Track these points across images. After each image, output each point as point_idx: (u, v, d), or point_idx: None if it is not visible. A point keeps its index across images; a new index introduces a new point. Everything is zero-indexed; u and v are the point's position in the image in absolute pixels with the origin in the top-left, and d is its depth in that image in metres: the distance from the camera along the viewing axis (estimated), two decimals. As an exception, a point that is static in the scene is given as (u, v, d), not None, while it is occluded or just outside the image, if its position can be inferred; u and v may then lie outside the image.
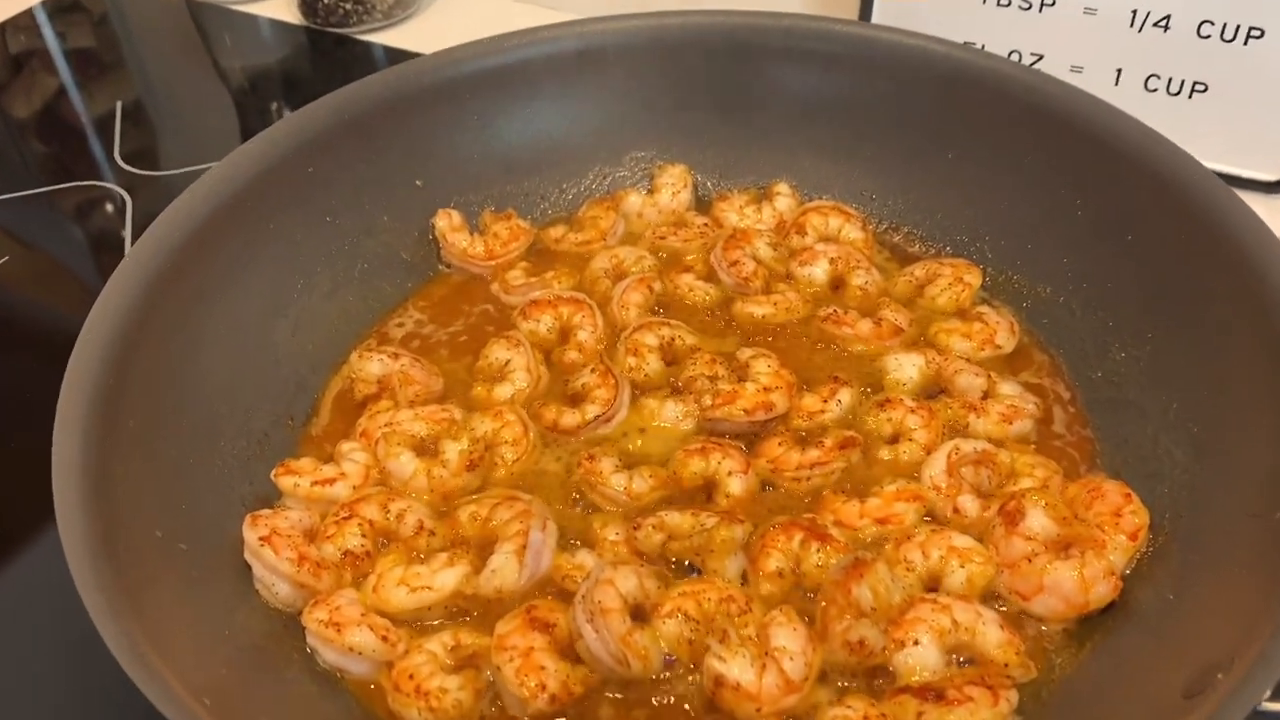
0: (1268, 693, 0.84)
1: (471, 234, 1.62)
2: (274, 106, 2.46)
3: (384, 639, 1.11)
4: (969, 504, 1.23)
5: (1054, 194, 1.52)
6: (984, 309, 1.49)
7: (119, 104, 2.37)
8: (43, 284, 1.88)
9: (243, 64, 2.58)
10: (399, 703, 1.07)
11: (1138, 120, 1.44)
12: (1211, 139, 1.81)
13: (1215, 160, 1.77)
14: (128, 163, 2.15)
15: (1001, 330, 1.45)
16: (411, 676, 1.07)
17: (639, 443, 1.34)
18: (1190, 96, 1.81)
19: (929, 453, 1.29)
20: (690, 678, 1.10)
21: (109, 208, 2.06)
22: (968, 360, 1.40)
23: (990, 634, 1.10)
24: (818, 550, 1.16)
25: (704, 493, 1.28)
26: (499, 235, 1.61)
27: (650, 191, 1.69)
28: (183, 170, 2.11)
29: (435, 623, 1.17)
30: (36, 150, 2.31)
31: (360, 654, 1.10)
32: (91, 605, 0.93)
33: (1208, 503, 1.15)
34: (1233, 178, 1.81)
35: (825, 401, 1.35)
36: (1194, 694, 0.89)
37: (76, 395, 1.10)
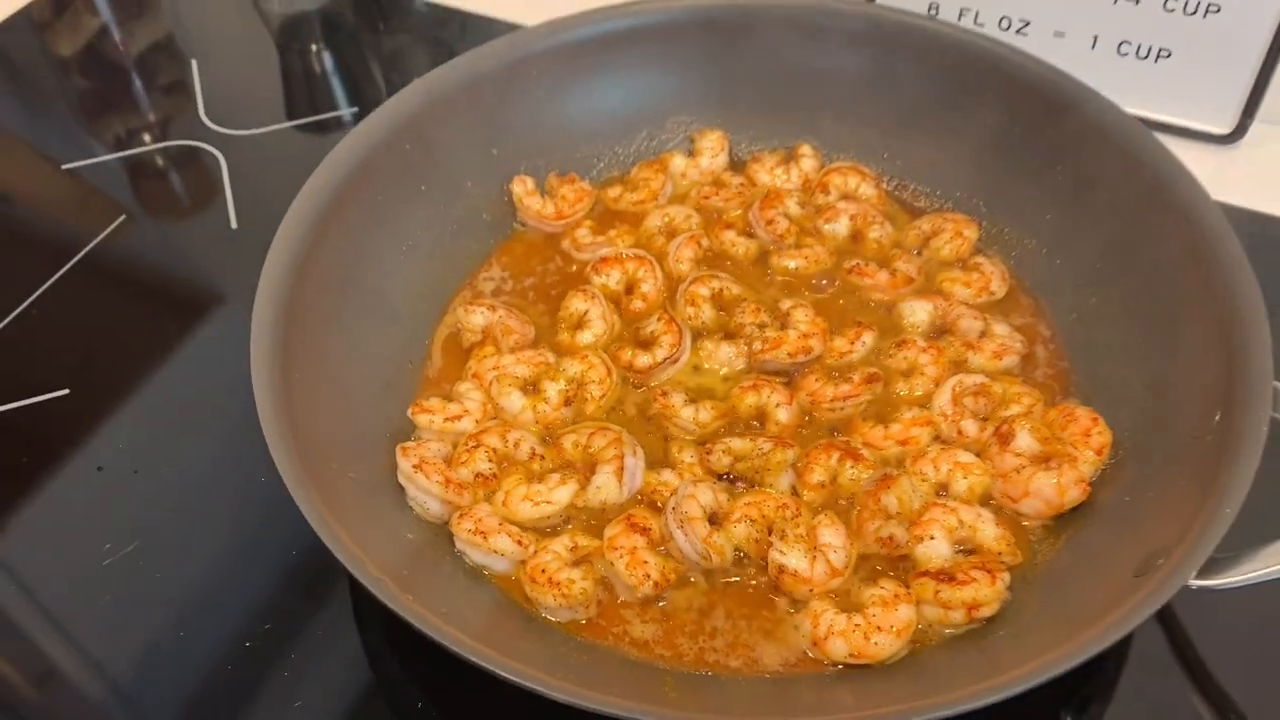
0: (1194, 573, 0.99)
1: (542, 196, 1.69)
2: (314, 49, 2.50)
3: (519, 543, 1.25)
4: (970, 427, 1.35)
5: (1035, 158, 1.59)
6: (980, 259, 1.59)
7: (194, 62, 2.47)
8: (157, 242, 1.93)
9: (281, 7, 2.61)
10: (536, 591, 1.21)
11: (1095, 91, 1.58)
12: (1174, 97, 2.01)
13: (1177, 116, 2.01)
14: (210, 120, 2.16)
15: (995, 278, 1.56)
16: (544, 570, 1.22)
17: (701, 380, 1.46)
18: (1156, 60, 1.97)
19: (937, 385, 1.41)
20: (755, 568, 1.26)
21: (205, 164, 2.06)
22: (967, 305, 1.51)
23: (987, 529, 1.24)
24: (851, 466, 1.30)
25: (757, 421, 1.40)
26: (566, 197, 1.69)
27: (691, 154, 1.77)
28: (266, 129, 2.16)
29: (553, 529, 1.30)
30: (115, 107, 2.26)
31: (501, 554, 1.25)
32: (300, 498, 1.11)
33: (1159, 425, 1.26)
34: (1192, 131, 2.04)
35: (852, 344, 1.47)
36: (1142, 574, 1.03)
37: (261, 373, 1.25)
